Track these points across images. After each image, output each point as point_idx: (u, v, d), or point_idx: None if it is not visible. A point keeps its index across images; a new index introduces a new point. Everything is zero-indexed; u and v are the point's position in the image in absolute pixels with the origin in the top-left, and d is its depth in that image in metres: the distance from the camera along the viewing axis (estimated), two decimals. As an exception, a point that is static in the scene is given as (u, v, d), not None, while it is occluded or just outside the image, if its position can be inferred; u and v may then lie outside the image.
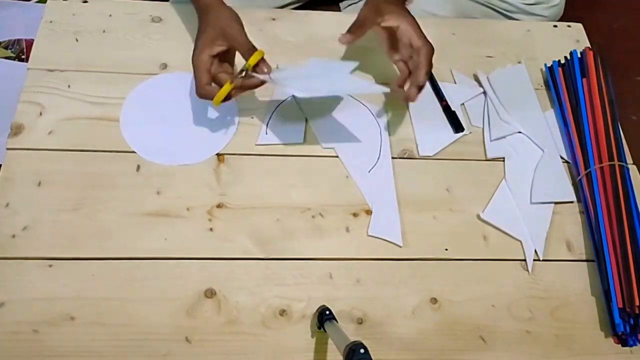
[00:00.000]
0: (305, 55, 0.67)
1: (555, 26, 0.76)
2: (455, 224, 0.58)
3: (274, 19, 0.71)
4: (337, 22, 0.66)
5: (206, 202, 0.56)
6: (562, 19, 0.83)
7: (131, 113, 0.61)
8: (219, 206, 0.56)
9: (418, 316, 0.53)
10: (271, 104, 0.64)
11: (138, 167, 0.58)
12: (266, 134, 0.61)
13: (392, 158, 0.62)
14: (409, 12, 0.59)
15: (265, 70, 0.54)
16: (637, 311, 0.51)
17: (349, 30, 0.58)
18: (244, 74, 0.54)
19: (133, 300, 0.51)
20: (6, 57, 1.00)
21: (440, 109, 0.66)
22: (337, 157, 0.61)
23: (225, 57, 0.57)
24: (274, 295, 0.53)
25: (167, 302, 0.51)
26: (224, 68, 0.56)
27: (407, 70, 0.59)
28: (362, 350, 0.39)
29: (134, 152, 0.59)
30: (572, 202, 0.61)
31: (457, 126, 0.65)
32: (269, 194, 0.58)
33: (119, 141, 0.59)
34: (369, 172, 0.60)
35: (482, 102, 0.67)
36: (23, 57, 0.99)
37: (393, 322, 0.53)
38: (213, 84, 0.55)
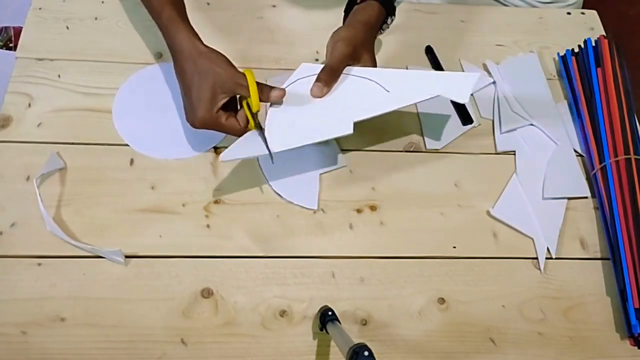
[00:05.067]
0: (307, 45, 0.66)
1: (568, 13, 0.75)
2: (463, 221, 0.57)
3: (274, 6, 0.70)
4: (340, 9, 0.64)
5: (203, 197, 0.55)
6: (576, 6, 0.82)
7: (124, 104, 0.60)
8: (216, 202, 0.55)
9: (425, 317, 0.52)
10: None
11: (132, 161, 0.57)
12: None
13: (398, 151, 0.60)
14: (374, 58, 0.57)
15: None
16: (655, 312, 0.50)
17: (320, 79, 0.53)
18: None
19: (126, 301, 0.50)
20: (-7, 46, 0.99)
21: (448, 100, 0.65)
22: (341, 150, 0.60)
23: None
24: (273, 295, 0.52)
25: (162, 302, 0.50)
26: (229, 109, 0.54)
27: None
28: (366, 353, 0.38)
29: (127, 145, 0.58)
30: (586, 197, 0.60)
31: (465, 118, 0.63)
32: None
33: (112, 134, 0.58)
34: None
35: (492, 93, 0.66)
36: (11, 45, 0.98)
37: (398, 324, 0.51)
38: (234, 119, 0.53)
